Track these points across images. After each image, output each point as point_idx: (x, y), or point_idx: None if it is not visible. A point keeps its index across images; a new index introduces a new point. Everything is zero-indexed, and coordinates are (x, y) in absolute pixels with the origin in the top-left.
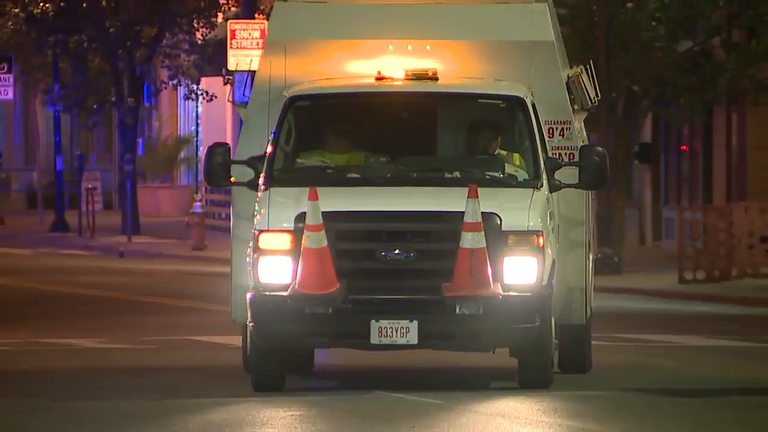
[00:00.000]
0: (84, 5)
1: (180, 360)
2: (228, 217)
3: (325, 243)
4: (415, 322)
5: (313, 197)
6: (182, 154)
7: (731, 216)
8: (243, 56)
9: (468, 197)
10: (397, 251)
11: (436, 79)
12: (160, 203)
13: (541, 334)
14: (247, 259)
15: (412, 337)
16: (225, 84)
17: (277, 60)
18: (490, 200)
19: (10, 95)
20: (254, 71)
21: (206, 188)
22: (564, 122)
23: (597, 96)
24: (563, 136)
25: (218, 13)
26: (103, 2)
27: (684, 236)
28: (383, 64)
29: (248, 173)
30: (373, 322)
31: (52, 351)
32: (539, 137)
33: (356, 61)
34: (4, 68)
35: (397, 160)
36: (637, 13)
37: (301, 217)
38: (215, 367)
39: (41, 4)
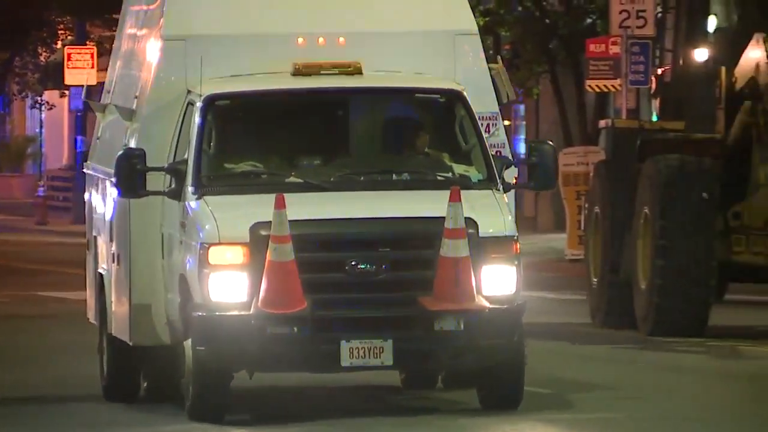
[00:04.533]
0: None
1: (30, 311)
2: (67, 199)
3: (292, 256)
4: (390, 341)
5: (281, 205)
6: (29, 150)
7: None
8: (77, 74)
9: (450, 201)
10: (367, 262)
11: (360, 72)
12: (12, 188)
13: (519, 350)
14: (192, 275)
15: (387, 358)
16: (61, 97)
17: (175, 58)
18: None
19: None
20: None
21: (48, 176)
22: (490, 117)
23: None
24: (489, 132)
25: (57, 41)
26: None
27: None
28: (293, 59)
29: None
30: (343, 342)
31: None
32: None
33: (263, 57)
34: None
35: (332, 162)
36: None
37: (257, 228)
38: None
39: None
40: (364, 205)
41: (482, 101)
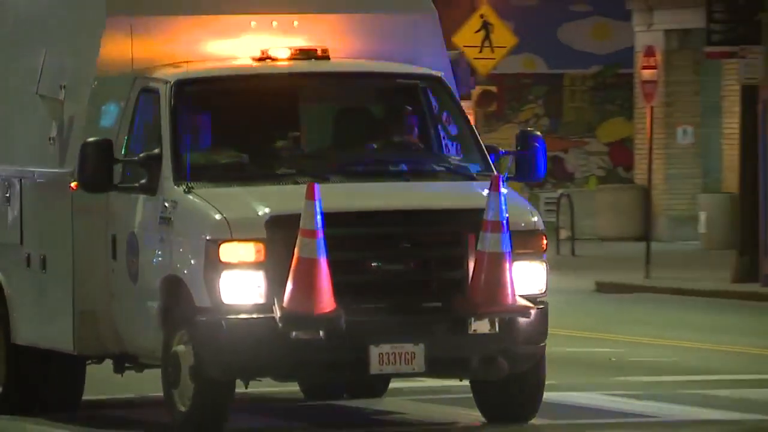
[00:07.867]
0: None
1: None
2: None
3: (324, 252)
4: (422, 346)
5: (312, 195)
6: None
7: None
8: None
9: (490, 189)
10: (396, 260)
11: (327, 57)
12: None
13: (543, 356)
14: (193, 276)
15: (419, 364)
16: None
17: (120, 40)
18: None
19: None
20: None
21: None
22: None
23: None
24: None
25: None
26: None
27: None
28: (245, 43)
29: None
30: (372, 347)
31: None
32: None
33: (214, 40)
34: None
35: (318, 150)
36: None
37: (275, 221)
38: None
39: None
40: (384, 196)
41: None
